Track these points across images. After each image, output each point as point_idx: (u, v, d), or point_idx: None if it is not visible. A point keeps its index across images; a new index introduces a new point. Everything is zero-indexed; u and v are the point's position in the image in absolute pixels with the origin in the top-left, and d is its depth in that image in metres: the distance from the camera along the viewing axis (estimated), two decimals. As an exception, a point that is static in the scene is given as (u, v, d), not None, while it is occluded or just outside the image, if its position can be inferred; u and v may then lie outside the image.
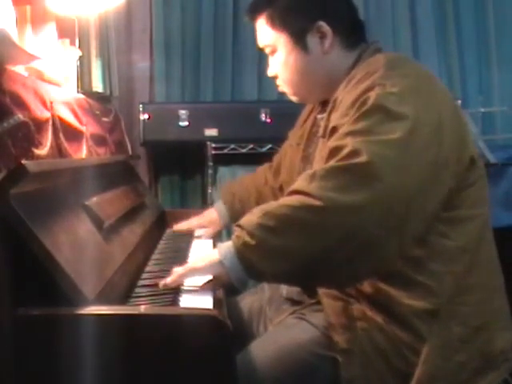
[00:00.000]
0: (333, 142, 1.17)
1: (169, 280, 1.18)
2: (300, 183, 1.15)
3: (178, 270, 1.19)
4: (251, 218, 1.14)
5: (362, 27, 1.43)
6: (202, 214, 1.85)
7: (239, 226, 1.15)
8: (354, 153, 1.10)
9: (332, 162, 1.13)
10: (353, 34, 1.40)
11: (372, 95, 1.16)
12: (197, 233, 1.79)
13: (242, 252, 1.11)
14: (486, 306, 1.25)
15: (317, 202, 1.08)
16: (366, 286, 1.21)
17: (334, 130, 1.21)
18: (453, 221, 1.22)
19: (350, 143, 1.12)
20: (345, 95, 1.26)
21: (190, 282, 1.20)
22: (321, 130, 1.35)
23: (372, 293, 1.21)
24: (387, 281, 1.20)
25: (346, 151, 1.11)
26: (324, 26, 1.35)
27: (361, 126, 1.14)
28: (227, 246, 1.14)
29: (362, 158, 1.09)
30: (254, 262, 1.10)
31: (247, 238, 1.10)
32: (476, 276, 1.24)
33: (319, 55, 1.37)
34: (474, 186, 1.24)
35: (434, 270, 1.20)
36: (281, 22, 1.38)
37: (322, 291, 1.29)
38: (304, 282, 1.24)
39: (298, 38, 1.37)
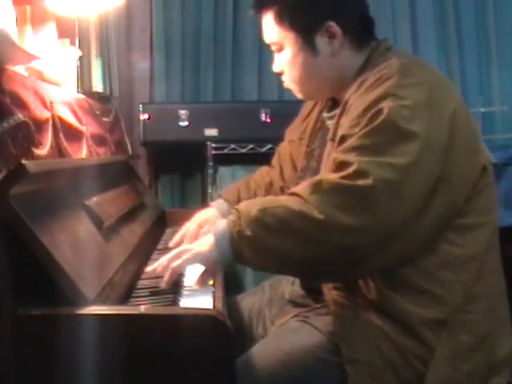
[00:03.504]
0: (340, 155, 1.17)
1: (174, 264, 1.18)
2: (304, 189, 1.15)
3: (182, 254, 1.19)
4: (250, 208, 1.15)
5: (372, 25, 1.39)
6: (194, 217, 1.64)
7: (237, 210, 1.16)
8: (360, 173, 1.11)
9: (337, 177, 1.13)
10: (363, 33, 1.36)
11: (385, 108, 1.14)
12: None
13: (235, 238, 1.14)
14: (492, 314, 1.24)
15: (318, 215, 1.10)
16: (374, 295, 1.20)
17: (343, 139, 1.20)
18: (462, 228, 1.21)
19: (356, 161, 1.12)
20: (356, 99, 1.23)
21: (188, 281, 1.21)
22: (330, 133, 1.32)
23: (380, 301, 1.20)
24: (395, 289, 1.19)
25: (352, 169, 1.12)
26: (334, 26, 1.31)
27: (370, 143, 1.14)
28: (222, 228, 1.16)
29: (367, 182, 1.10)
30: (244, 251, 1.14)
31: (243, 228, 1.13)
32: (484, 284, 1.23)
33: (328, 56, 1.33)
34: (484, 192, 1.23)
35: (442, 278, 1.19)
36: (289, 20, 1.33)
37: (329, 298, 1.28)
38: (281, 274, 1.37)
39: (307, 38, 1.33)
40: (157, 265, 1.22)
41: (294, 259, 1.14)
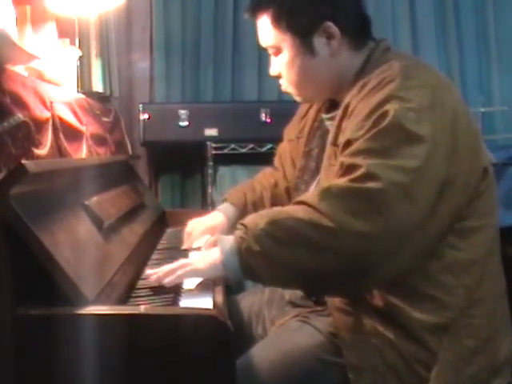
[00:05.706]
0: (348, 159, 1.15)
1: (167, 280, 1.18)
2: (312, 197, 1.13)
3: (177, 271, 1.19)
4: (258, 221, 1.13)
5: (370, 24, 1.36)
6: (200, 222, 1.63)
7: (244, 225, 1.14)
8: (370, 176, 1.09)
9: (346, 180, 1.12)
10: (361, 32, 1.34)
11: (390, 110, 1.13)
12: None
13: (243, 255, 1.12)
14: (494, 317, 1.23)
15: (328, 223, 1.08)
16: (377, 301, 1.19)
17: (349, 142, 1.17)
18: (464, 232, 1.20)
19: (365, 164, 1.10)
20: (358, 103, 1.21)
21: (187, 285, 1.21)
22: (330, 136, 1.29)
23: (383, 307, 1.19)
24: (398, 295, 1.18)
25: (360, 172, 1.10)
26: (332, 26, 1.28)
27: (378, 146, 1.12)
28: (229, 245, 1.14)
29: (378, 185, 1.08)
30: (254, 268, 1.12)
31: (251, 243, 1.11)
32: (486, 287, 1.22)
33: (326, 57, 1.31)
34: (484, 194, 1.22)
35: (445, 283, 1.18)
36: (286, 22, 1.30)
37: (331, 305, 1.27)
38: (294, 288, 1.31)
39: (304, 40, 1.30)
40: (155, 276, 1.20)
41: (306, 271, 1.11)
